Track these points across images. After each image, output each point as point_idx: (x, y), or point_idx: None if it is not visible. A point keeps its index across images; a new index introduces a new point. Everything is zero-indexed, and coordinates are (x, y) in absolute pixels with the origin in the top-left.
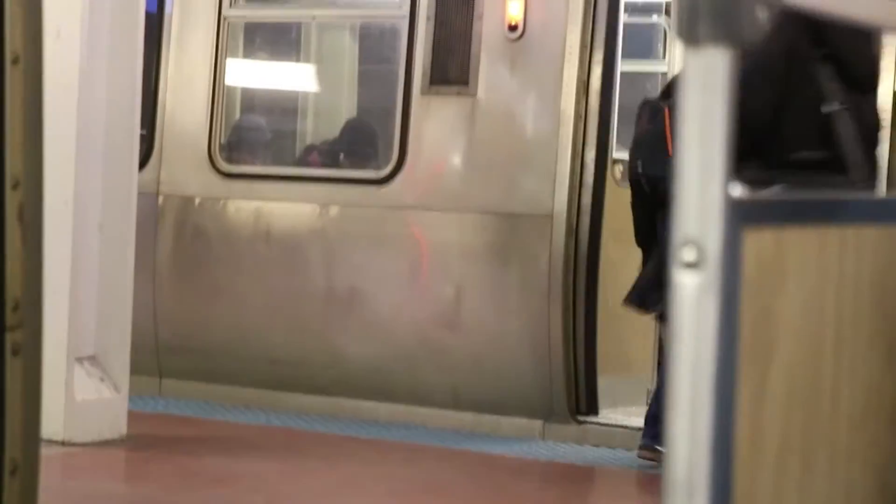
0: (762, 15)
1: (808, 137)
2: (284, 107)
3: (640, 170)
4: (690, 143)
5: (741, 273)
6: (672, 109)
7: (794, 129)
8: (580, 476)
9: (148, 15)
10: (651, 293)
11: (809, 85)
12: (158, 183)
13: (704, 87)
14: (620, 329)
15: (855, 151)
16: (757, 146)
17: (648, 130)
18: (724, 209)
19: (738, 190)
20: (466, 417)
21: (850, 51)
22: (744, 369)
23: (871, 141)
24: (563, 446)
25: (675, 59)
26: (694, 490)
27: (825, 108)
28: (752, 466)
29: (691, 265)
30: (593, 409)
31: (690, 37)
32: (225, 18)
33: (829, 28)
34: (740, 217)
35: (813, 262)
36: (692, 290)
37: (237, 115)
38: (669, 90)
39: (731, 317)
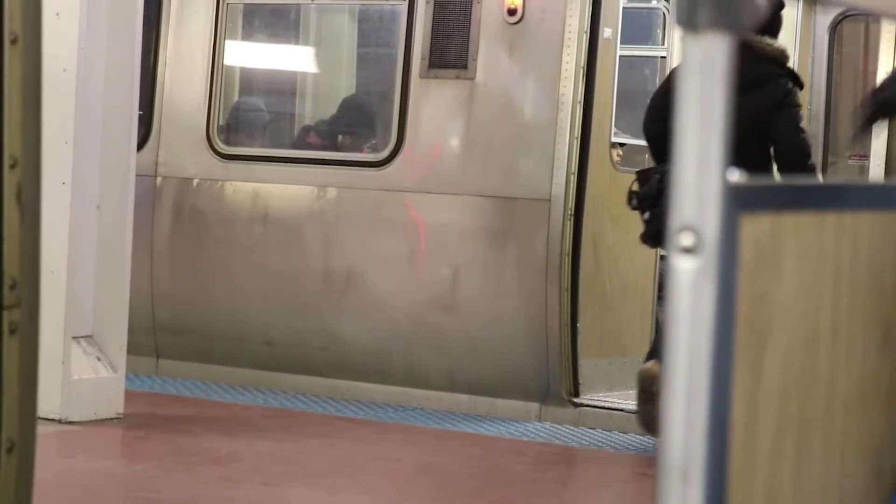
0: (762, 1)
1: None
2: (283, 89)
3: None
4: (688, 129)
5: (738, 258)
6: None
7: None
8: (576, 458)
9: None
10: None
11: None
12: (157, 164)
13: (703, 73)
14: (617, 312)
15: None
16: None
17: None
18: (721, 194)
19: (735, 175)
20: (462, 399)
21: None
22: (740, 354)
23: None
24: (560, 428)
25: (674, 44)
26: (689, 474)
27: None
28: (748, 450)
29: (688, 250)
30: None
31: (690, 23)
32: (224, 1)
33: None
34: (738, 202)
35: (810, 247)
36: (689, 275)
37: (236, 97)
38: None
39: (728, 302)
